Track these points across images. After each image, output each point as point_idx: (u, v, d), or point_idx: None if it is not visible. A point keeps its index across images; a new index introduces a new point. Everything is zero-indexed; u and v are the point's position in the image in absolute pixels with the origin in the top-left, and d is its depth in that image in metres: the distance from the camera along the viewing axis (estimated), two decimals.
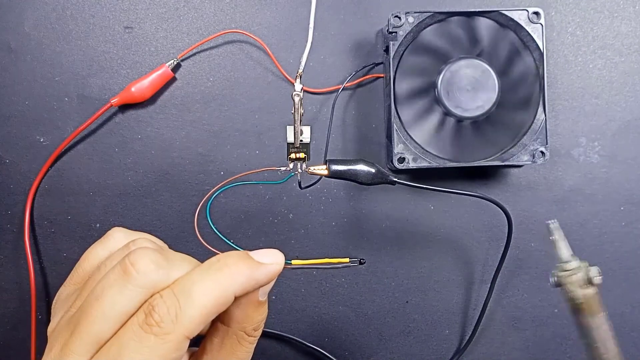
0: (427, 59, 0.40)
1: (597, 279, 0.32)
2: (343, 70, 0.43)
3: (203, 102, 0.42)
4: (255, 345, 0.27)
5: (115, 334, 0.23)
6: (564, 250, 0.33)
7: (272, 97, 0.43)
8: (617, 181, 0.44)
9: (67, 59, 0.42)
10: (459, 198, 0.43)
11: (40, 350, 0.41)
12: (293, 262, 0.29)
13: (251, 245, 0.42)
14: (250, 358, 0.27)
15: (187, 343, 0.23)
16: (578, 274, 0.32)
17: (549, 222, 0.34)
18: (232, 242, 0.32)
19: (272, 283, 0.26)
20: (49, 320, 0.27)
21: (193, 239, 0.32)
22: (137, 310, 0.23)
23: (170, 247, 0.29)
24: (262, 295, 0.26)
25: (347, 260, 0.31)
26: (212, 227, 0.32)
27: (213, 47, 0.43)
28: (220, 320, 0.27)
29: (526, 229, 0.43)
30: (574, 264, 0.32)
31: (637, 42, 0.44)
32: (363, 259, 0.31)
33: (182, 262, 0.25)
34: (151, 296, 0.23)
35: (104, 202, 0.42)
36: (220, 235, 0.31)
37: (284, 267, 0.26)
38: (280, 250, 0.27)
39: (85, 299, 0.24)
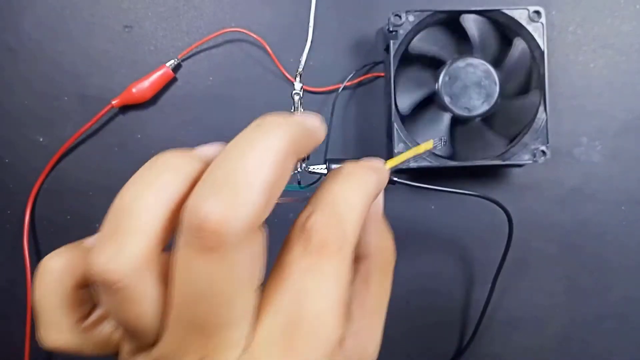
0: (427, 58, 0.40)
1: None
2: (343, 69, 0.42)
3: (203, 102, 0.42)
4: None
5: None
6: None
7: (272, 96, 0.42)
8: (618, 180, 0.43)
9: (67, 59, 0.42)
10: (460, 198, 0.43)
11: (39, 350, 0.41)
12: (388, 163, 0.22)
13: None
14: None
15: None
16: None
17: None
18: None
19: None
20: None
21: None
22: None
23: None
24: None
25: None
26: None
27: (213, 46, 0.42)
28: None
29: (527, 229, 0.43)
30: None
31: (638, 42, 0.43)
32: None
33: None
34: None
35: (104, 202, 0.42)
36: None
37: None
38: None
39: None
